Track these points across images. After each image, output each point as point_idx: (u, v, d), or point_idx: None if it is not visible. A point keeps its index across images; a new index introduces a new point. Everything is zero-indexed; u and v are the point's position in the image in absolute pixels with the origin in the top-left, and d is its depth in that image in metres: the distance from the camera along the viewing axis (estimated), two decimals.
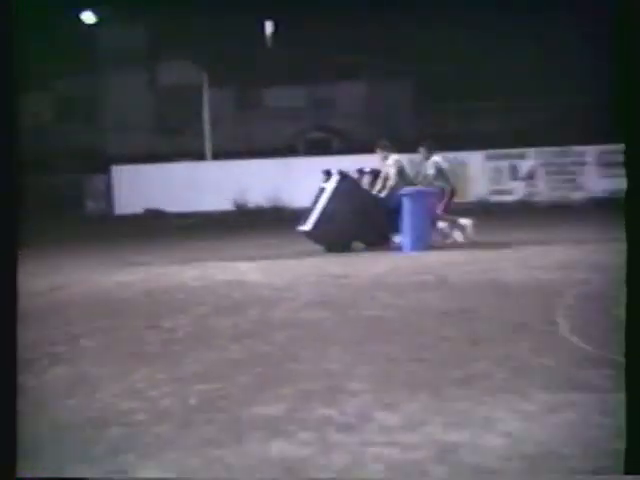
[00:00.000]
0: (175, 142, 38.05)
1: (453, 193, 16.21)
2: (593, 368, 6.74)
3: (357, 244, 15.59)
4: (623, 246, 4.53)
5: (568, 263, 12.20)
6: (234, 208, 27.06)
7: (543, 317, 8.76)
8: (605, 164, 25.97)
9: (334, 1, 36.54)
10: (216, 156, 31.19)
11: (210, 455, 5.36)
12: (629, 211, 4.56)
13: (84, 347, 8.42)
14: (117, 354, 8.04)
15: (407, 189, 15.30)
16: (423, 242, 14.74)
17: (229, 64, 36.58)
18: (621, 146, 4.65)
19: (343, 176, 15.60)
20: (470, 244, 15.59)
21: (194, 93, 34.94)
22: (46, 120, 39.29)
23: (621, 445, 4.58)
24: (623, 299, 4.56)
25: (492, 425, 5.67)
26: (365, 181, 15.96)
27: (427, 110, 38.25)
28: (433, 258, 13.69)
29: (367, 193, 15.68)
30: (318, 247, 15.53)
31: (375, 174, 15.99)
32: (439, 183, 15.87)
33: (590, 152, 26.58)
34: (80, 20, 36.25)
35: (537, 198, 26.45)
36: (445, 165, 16.20)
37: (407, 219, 14.81)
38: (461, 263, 12.97)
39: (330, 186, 15.51)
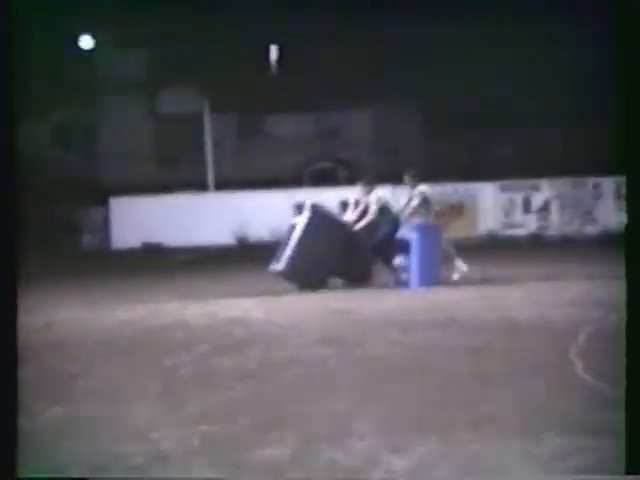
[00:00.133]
0: (175, 172, 37.95)
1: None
2: (609, 410, 6.51)
3: (335, 281, 15.14)
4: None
5: (581, 300, 11.99)
6: (235, 242, 26.86)
7: (555, 356, 8.54)
8: (623, 196, 25.63)
9: (341, 27, 36.52)
10: (218, 187, 31.02)
11: None
12: (629, 245, 4.44)
13: (82, 387, 8.21)
14: (116, 394, 7.82)
15: (415, 223, 15.06)
16: (431, 278, 14.51)
17: (232, 91, 36.51)
18: None
19: (316, 210, 15.05)
20: (480, 280, 15.34)
21: (195, 121, 34.85)
22: (42, 150, 39.23)
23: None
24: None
25: (504, 471, 5.46)
26: (348, 214, 15.58)
27: (436, 140, 38.18)
28: (441, 295, 13.48)
29: (344, 227, 15.17)
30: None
31: (358, 205, 15.65)
32: (421, 215, 15.56)
33: (607, 184, 26.15)
34: (78, 46, 36.21)
35: (550, 232, 26.15)
36: (430, 196, 15.95)
37: (415, 254, 14.59)
38: (470, 299, 12.76)
39: (302, 221, 14.93)
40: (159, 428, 6.66)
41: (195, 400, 7.47)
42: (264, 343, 9.93)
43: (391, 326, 10.68)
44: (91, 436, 6.55)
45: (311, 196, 21.40)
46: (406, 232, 14.94)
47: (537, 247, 23.37)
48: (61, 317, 12.70)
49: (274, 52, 40.47)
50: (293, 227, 15.06)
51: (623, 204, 25.48)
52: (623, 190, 25.65)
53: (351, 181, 31.49)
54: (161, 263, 23.10)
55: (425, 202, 15.65)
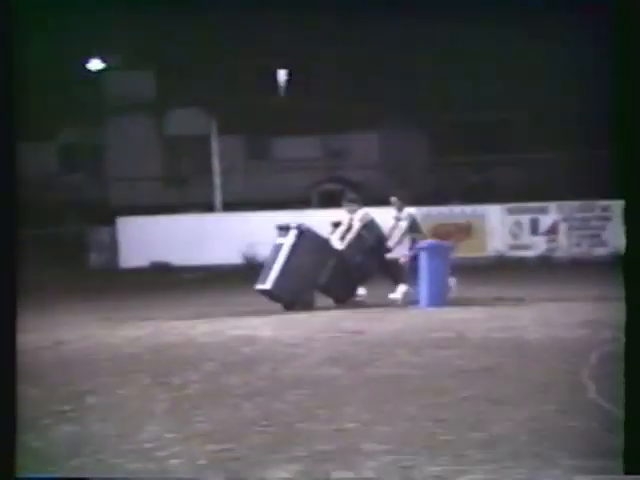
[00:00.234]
0: (183, 193, 37.91)
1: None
2: (622, 432, 6.43)
3: (321, 299, 15.09)
4: None
5: (591, 321, 11.91)
6: (243, 261, 26.78)
7: (566, 377, 8.47)
8: None
9: (349, 51, 36.57)
10: (225, 207, 30.98)
11: None
12: (628, 268, 4.41)
13: (90, 405, 8.15)
14: (124, 412, 7.76)
15: (423, 243, 15.02)
16: (440, 298, 14.45)
17: (240, 113, 36.50)
18: None
19: (302, 230, 15.10)
20: (488, 300, 15.26)
21: (203, 143, 34.84)
22: (50, 170, 39.22)
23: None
24: None
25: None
26: (334, 234, 15.50)
27: (443, 161, 38.12)
28: (451, 314, 13.41)
29: (330, 246, 15.16)
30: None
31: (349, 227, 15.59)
32: (413, 235, 15.50)
33: (615, 206, 26.01)
34: (87, 68, 36.28)
35: (558, 254, 26.06)
36: (418, 217, 15.91)
37: (424, 274, 14.53)
38: (480, 320, 12.69)
39: (289, 241, 14.99)
40: (167, 446, 6.59)
41: (203, 418, 7.41)
42: (272, 361, 9.87)
43: (400, 345, 10.62)
44: (99, 453, 6.49)
45: (318, 217, 21.37)
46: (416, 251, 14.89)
47: (546, 269, 23.28)
48: (70, 335, 12.65)
49: (282, 75, 40.52)
50: (278, 247, 15.09)
51: None
52: None
53: (359, 202, 31.37)
54: (169, 282, 23.05)
55: (414, 224, 15.60)
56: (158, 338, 12.20)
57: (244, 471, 5.93)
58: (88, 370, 9.87)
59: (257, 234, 27.06)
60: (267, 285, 14.88)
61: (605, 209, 26.26)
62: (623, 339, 10.00)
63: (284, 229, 15.32)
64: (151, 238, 27.48)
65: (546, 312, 13.38)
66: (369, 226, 15.48)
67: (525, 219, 26.35)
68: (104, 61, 36.61)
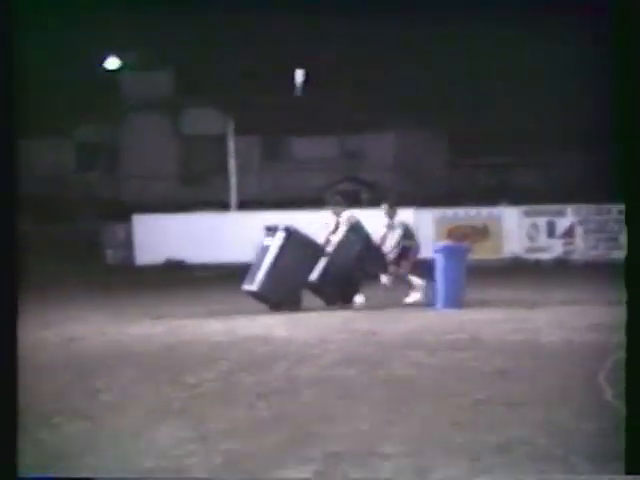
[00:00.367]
0: (198, 192, 37.90)
1: (418, 251, 15.72)
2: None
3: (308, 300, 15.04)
4: None
5: (606, 324, 11.85)
6: None
7: (582, 380, 8.42)
8: None
9: (367, 52, 36.53)
10: (241, 207, 30.98)
11: None
12: (629, 272, 4.38)
13: (104, 402, 8.13)
14: (139, 410, 7.74)
15: (439, 245, 14.98)
16: (455, 299, 14.41)
17: (257, 112, 36.48)
18: None
19: (289, 231, 15.04)
20: (505, 302, 15.20)
21: (219, 142, 34.84)
22: (67, 168, 39.28)
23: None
24: None
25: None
26: (323, 236, 15.42)
27: (460, 163, 38.03)
28: (466, 316, 13.36)
29: (318, 248, 15.08)
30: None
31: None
32: (406, 241, 15.45)
33: None
34: (103, 66, 36.31)
35: (575, 256, 25.97)
36: (411, 223, 15.83)
37: (440, 275, 14.49)
38: (495, 322, 12.64)
39: (276, 242, 14.95)
40: (182, 445, 6.57)
41: (218, 417, 7.39)
42: (287, 361, 9.84)
43: (415, 347, 10.57)
44: (113, 451, 6.47)
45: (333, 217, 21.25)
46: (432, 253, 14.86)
47: (562, 271, 23.19)
48: (84, 332, 12.65)
49: (300, 75, 40.50)
50: (265, 248, 15.05)
51: None
52: None
53: (374, 202, 31.38)
54: (183, 279, 23.05)
55: (408, 233, 15.52)
56: (172, 336, 12.18)
57: (259, 471, 5.90)
58: (102, 367, 9.85)
59: None
60: (254, 286, 14.84)
61: (622, 212, 26.17)
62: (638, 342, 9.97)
63: (272, 230, 15.27)
64: (166, 236, 27.50)
65: (562, 315, 13.31)
66: (355, 228, 15.36)
67: (542, 221, 26.27)
68: (121, 60, 36.65)
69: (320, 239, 15.32)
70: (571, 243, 26.12)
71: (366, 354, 10.22)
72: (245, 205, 31.11)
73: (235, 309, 14.95)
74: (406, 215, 16.20)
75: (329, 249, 15.18)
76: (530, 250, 26.13)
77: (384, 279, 15.49)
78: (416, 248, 15.64)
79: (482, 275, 17.15)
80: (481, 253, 22.64)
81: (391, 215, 15.70)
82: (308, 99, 39.33)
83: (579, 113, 34.39)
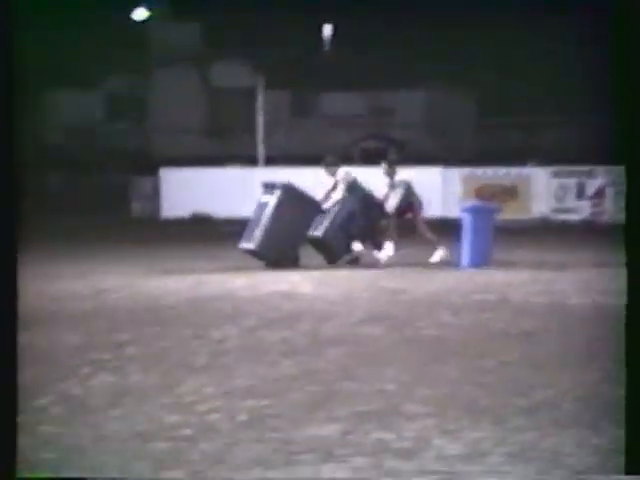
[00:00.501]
0: (226, 146, 37.80)
1: (421, 207, 15.57)
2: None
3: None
4: None
5: None
6: None
7: (609, 344, 8.35)
8: None
9: (396, 7, 36.21)
10: (268, 162, 30.89)
11: (258, 476, 5.05)
12: (629, 235, 4.29)
13: (130, 355, 8.15)
14: (163, 364, 7.75)
15: (467, 204, 14.89)
16: (482, 259, 14.33)
17: (286, 67, 36.28)
18: None
19: (287, 188, 14.95)
20: (532, 263, 15.11)
21: (248, 96, 34.68)
22: (95, 120, 39.23)
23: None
24: None
25: (560, 460, 5.30)
26: (321, 194, 15.28)
27: (490, 122, 37.74)
28: (492, 277, 13.30)
29: (316, 205, 14.98)
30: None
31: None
32: (409, 198, 15.31)
33: None
34: (131, 17, 36.15)
35: (603, 218, 25.74)
36: (412, 181, 15.65)
37: (467, 235, 14.41)
38: (522, 283, 12.58)
39: (273, 200, 14.84)
40: (207, 400, 6.57)
41: (242, 373, 7.38)
42: (312, 318, 9.82)
43: (441, 306, 10.54)
44: (139, 404, 6.48)
45: (360, 174, 21.24)
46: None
47: (590, 233, 23.03)
48: (110, 284, 12.68)
49: (328, 30, 40.18)
50: (263, 205, 14.94)
51: None
52: None
53: (401, 161, 31.10)
54: (209, 234, 23.04)
55: (411, 193, 15.35)
56: (198, 290, 12.20)
57: (284, 429, 5.89)
58: (128, 320, 9.88)
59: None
60: (251, 244, 14.73)
61: None
62: None
63: (269, 187, 15.15)
64: (193, 189, 27.49)
65: (589, 277, 13.23)
66: (352, 186, 15.22)
67: (571, 182, 26.04)
68: (150, 11, 36.47)
69: (320, 196, 15.18)
70: (600, 205, 25.89)
71: (392, 313, 10.19)
72: (272, 160, 31.01)
73: (260, 264, 14.94)
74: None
75: (328, 206, 15.04)
76: (558, 211, 25.95)
77: (383, 251, 15.22)
78: (419, 205, 15.49)
79: (509, 235, 17.07)
80: (509, 213, 22.51)
81: (391, 174, 15.55)
82: (337, 54, 39.06)
83: (612, 73, 33.96)
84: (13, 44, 4.04)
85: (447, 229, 17.33)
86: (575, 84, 36.41)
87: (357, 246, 14.99)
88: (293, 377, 7.26)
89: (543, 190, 26.09)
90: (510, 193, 25.64)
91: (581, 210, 25.90)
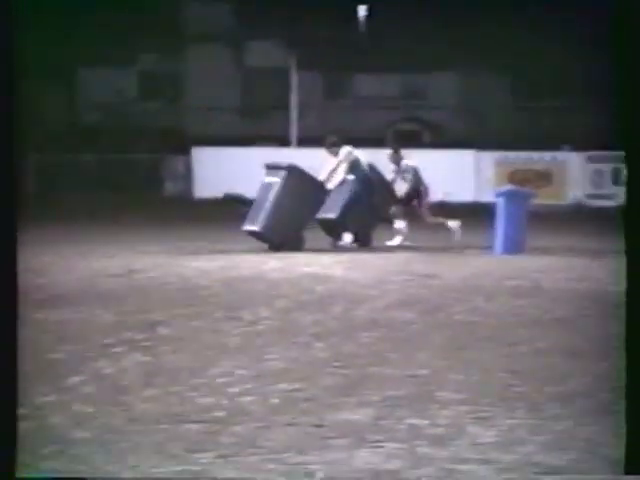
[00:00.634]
0: (259, 126, 37.75)
1: (427, 193, 15.49)
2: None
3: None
4: None
5: None
6: None
7: None
8: None
9: None
10: (300, 143, 30.82)
11: (291, 461, 5.03)
12: (629, 221, 4.22)
13: (162, 335, 8.14)
14: (196, 345, 7.74)
15: (501, 189, 14.80)
16: (516, 245, 14.23)
17: (319, 48, 36.16)
18: None
19: (291, 170, 14.80)
20: (566, 250, 15.00)
21: (281, 77, 34.60)
22: (129, 97, 39.24)
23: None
24: None
25: (595, 449, 5.24)
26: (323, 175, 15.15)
27: (523, 105, 37.45)
28: (526, 262, 13.21)
29: (320, 186, 14.82)
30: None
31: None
32: (416, 184, 15.23)
33: None
34: None
35: None
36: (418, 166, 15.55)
37: (500, 220, 14.31)
38: (556, 269, 12.50)
39: (278, 181, 14.67)
40: (239, 382, 6.55)
41: (275, 356, 7.36)
42: (345, 301, 9.79)
43: (474, 292, 10.48)
44: (171, 385, 6.47)
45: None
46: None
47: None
48: (142, 264, 12.69)
49: (363, 11, 39.99)
50: (267, 187, 14.79)
51: None
52: None
53: (435, 144, 31.03)
54: (241, 214, 22.98)
55: (418, 179, 15.27)
56: (230, 271, 12.19)
57: (317, 412, 5.86)
58: (160, 300, 9.88)
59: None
60: (256, 226, 14.57)
61: None
62: None
63: (273, 168, 15.01)
64: (225, 169, 27.46)
65: (624, 265, 13.09)
66: (354, 166, 15.05)
67: (607, 168, 25.79)
68: None
69: (323, 177, 15.03)
70: None
71: (425, 297, 10.14)
72: (304, 141, 30.93)
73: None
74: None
75: (331, 186, 14.93)
76: (593, 197, 25.73)
77: (399, 224, 15.22)
78: (425, 191, 15.42)
79: (543, 221, 16.93)
80: (542, 198, 22.36)
81: (396, 161, 15.46)
82: (371, 36, 38.89)
83: None
84: (14, 42, 3.99)
85: (479, 214, 17.27)
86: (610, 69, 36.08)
87: (347, 237, 14.89)
88: (325, 360, 7.23)
89: (578, 175, 25.86)
90: (544, 178, 25.45)
91: (617, 196, 25.64)
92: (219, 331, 8.31)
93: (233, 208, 20.65)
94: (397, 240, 15.27)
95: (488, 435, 5.46)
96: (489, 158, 26.13)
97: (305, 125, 32.63)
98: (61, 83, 34.44)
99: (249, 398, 6.17)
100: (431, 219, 15.32)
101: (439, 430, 5.55)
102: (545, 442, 5.33)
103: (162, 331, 8.29)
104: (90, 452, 5.09)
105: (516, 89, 38.59)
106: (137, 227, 18.51)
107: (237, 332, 8.26)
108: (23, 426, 5.44)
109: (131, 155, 30.18)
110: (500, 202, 14.41)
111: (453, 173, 23.68)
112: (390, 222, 15.32)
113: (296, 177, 14.75)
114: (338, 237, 14.95)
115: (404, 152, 16.19)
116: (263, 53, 39.06)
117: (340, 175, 14.99)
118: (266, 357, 7.32)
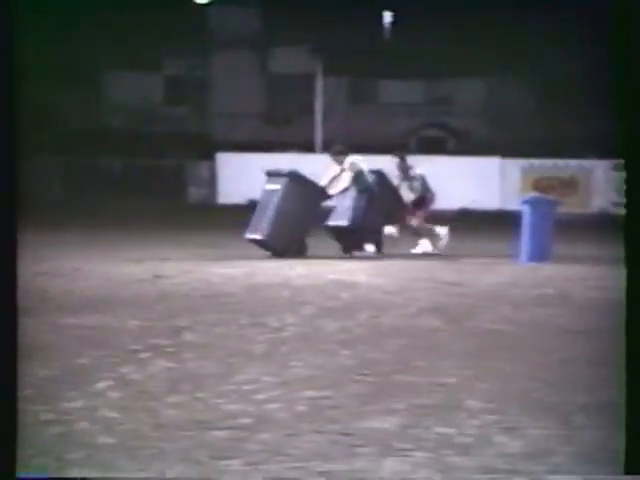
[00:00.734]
0: (284, 131, 37.80)
1: (433, 201, 15.46)
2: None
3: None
4: None
5: None
6: None
7: None
8: None
9: None
10: (325, 148, 30.80)
11: (317, 469, 5.01)
12: (629, 229, 4.19)
13: (188, 341, 8.14)
14: (222, 351, 7.73)
15: (527, 197, 14.75)
16: (541, 253, 14.17)
17: (344, 54, 36.19)
18: None
19: (293, 176, 14.73)
20: (592, 258, 14.92)
21: (306, 83, 34.63)
22: (155, 102, 39.36)
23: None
24: None
25: (628, 461, 5.18)
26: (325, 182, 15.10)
27: (549, 113, 37.31)
28: (551, 271, 13.15)
29: (322, 193, 14.77)
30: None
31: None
32: (423, 193, 15.19)
33: None
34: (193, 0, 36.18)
35: None
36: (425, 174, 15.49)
37: (526, 228, 14.25)
38: (582, 278, 12.43)
39: (280, 188, 14.61)
40: (265, 390, 6.53)
41: (301, 363, 7.34)
42: (370, 308, 9.76)
43: (500, 300, 10.43)
44: (197, 391, 6.46)
45: (417, 163, 21.18)
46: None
47: None
48: (167, 270, 12.70)
49: (388, 18, 40.00)
50: (268, 194, 14.73)
51: None
52: None
53: (460, 151, 30.91)
54: None
55: (426, 187, 15.24)
56: (254, 277, 12.18)
57: (343, 420, 5.84)
58: (186, 306, 9.88)
59: None
60: (259, 234, 14.51)
61: None
62: None
63: (274, 175, 14.95)
64: (250, 175, 27.43)
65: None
66: (357, 177, 15.00)
67: None
68: None
69: (324, 182, 14.97)
70: None
71: (450, 305, 10.10)
72: (329, 147, 30.88)
73: (317, 252, 14.86)
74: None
75: (334, 193, 14.89)
76: (619, 205, 25.58)
77: (390, 229, 15.23)
78: (432, 198, 15.40)
79: (568, 229, 16.83)
80: (567, 206, 22.29)
81: (404, 169, 15.44)
82: (396, 41, 38.87)
83: None
84: (14, 43, 3.99)
85: (505, 222, 17.21)
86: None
87: (370, 247, 14.86)
88: (351, 368, 7.21)
89: (603, 183, 25.74)
90: (569, 186, 25.35)
91: None
92: (244, 337, 8.30)
93: None
94: (423, 247, 15.25)
95: (515, 445, 5.42)
96: (514, 165, 26.06)
97: (329, 131, 32.62)
98: (88, 88, 34.57)
99: (275, 405, 6.15)
100: (421, 224, 15.27)
101: (467, 439, 5.51)
102: (574, 453, 5.29)
103: (187, 337, 8.29)
104: (115, 458, 5.08)
105: (542, 95, 38.43)
106: (162, 232, 18.54)
107: (262, 339, 8.24)
108: (50, 431, 5.47)
109: (157, 161, 30.25)
110: (526, 210, 14.35)
111: (478, 180, 23.61)
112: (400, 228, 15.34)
113: (297, 183, 14.71)
114: (350, 245, 14.90)
115: (428, 158, 16.19)
116: (288, 59, 39.10)
117: (343, 183, 14.98)
118: (292, 364, 7.30)
